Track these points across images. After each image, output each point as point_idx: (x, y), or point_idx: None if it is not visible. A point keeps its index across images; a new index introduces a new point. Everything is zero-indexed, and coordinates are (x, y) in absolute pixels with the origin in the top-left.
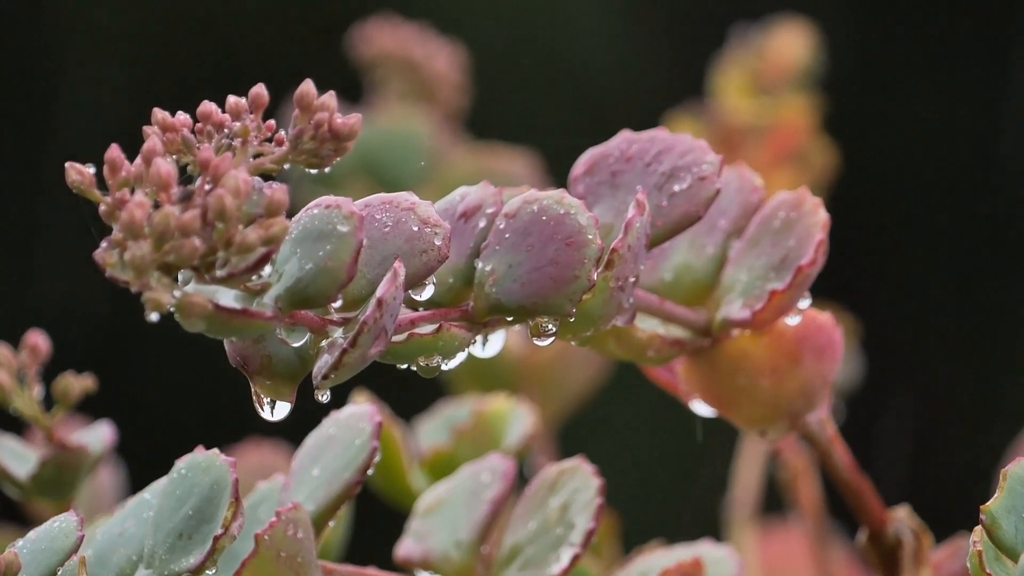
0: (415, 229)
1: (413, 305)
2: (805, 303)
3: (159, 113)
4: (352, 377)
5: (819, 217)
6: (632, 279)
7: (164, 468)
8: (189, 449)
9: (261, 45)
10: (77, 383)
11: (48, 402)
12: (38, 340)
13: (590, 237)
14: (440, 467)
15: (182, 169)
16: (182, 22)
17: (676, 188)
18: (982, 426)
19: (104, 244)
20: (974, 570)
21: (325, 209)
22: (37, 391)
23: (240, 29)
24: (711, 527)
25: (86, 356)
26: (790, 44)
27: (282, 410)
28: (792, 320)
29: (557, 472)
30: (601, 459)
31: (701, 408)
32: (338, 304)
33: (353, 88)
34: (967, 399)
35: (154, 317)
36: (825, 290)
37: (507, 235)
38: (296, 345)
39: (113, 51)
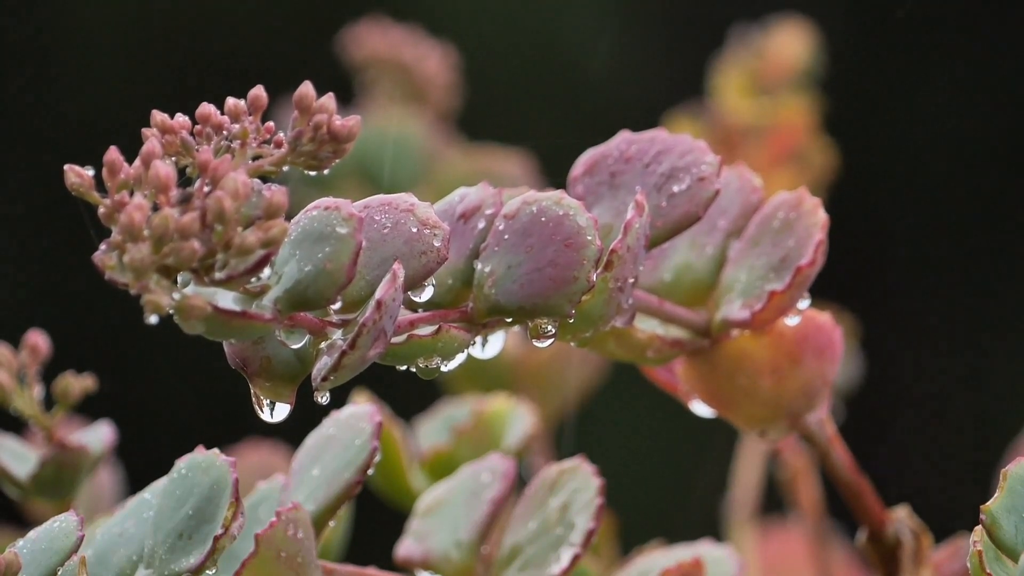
0: (414, 230)
1: (412, 306)
2: (805, 303)
3: (158, 115)
4: (352, 377)
5: (818, 217)
6: (631, 280)
7: (164, 468)
8: (189, 449)
9: (251, 48)
10: (77, 383)
11: (48, 402)
12: (38, 340)
13: (589, 238)
14: (440, 467)
15: (181, 171)
16: (171, 25)
17: (675, 189)
18: (982, 426)
19: (103, 246)
20: (974, 570)
21: (324, 211)
22: (37, 391)
23: (230, 33)
24: (711, 527)
25: (86, 356)
26: (790, 44)
27: (281, 411)
28: (792, 320)
29: (557, 472)
30: (601, 459)
31: (701, 408)
32: (337, 306)
33: (345, 91)
34: (966, 399)
35: (153, 319)
36: (825, 290)
37: (506, 236)
38: (295, 347)
39: (109, 53)
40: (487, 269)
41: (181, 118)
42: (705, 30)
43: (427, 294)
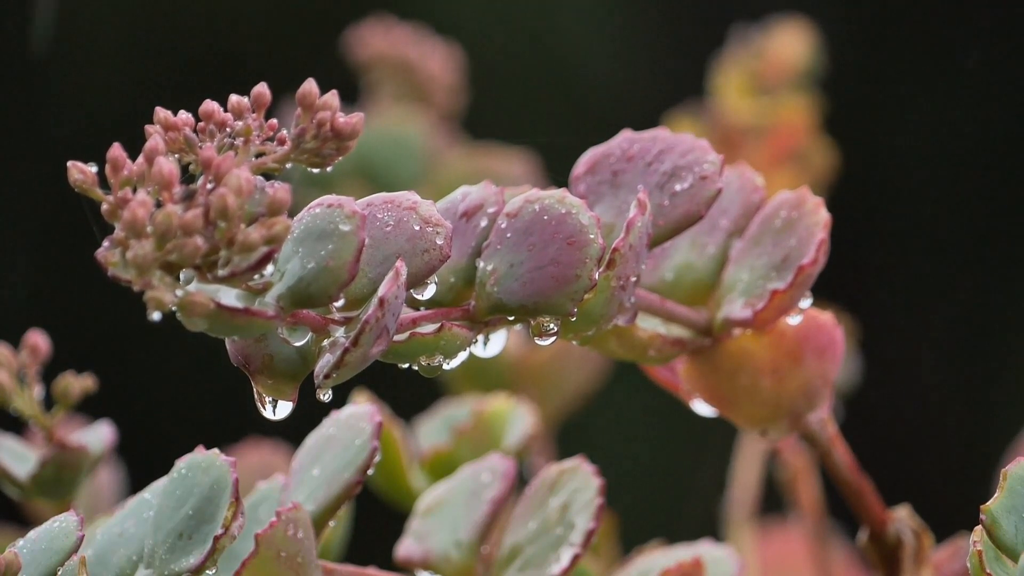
0: (417, 228)
1: (415, 304)
2: (806, 303)
3: (161, 112)
4: (353, 376)
5: (820, 216)
6: (633, 278)
7: (164, 468)
8: (189, 449)
9: (255, 47)
10: (77, 383)
11: (48, 402)
12: (38, 340)
13: (592, 236)
14: (440, 467)
15: (184, 168)
16: (175, 23)
17: (677, 187)
18: (982, 426)
19: (106, 243)
20: (974, 570)
21: (327, 208)
22: (37, 391)
23: (234, 31)
24: (711, 527)
25: (86, 356)
26: (790, 44)
27: (284, 409)
28: (793, 320)
29: (557, 472)
30: (601, 459)
31: (702, 408)
32: (340, 303)
33: (348, 90)
34: (966, 399)
35: (156, 316)
36: (826, 290)
37: (509, 234)
38: (298, 344)
39: (113, 50)
40: (489, 267)
41: (184, 115)
42: (705, 30)
43: (429, 292)
